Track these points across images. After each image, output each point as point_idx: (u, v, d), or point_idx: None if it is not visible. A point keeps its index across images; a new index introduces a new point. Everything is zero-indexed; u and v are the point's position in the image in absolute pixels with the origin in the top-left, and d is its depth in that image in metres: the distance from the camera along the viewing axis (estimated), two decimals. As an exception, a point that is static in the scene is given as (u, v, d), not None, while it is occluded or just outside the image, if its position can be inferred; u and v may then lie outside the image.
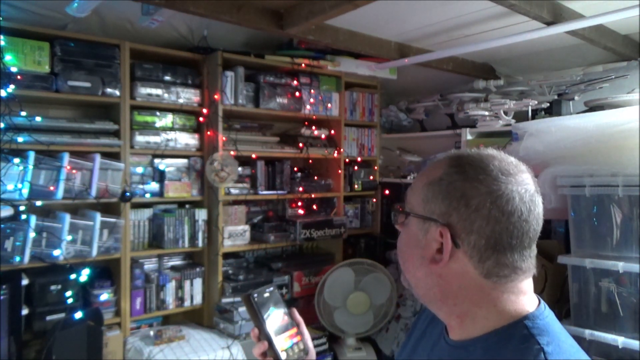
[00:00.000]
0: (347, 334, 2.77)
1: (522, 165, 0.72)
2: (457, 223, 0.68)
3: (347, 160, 3.22)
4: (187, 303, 2.65)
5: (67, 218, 2.19)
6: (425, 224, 0.71)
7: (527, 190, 0.68)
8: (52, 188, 2.16)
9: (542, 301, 0.73)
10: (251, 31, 2.59)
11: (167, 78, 2.55)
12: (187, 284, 2.65)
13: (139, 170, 2.52)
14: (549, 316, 0.70)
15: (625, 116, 1.83)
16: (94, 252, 2.27)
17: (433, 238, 0.70)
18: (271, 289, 0.93)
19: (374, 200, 3.43)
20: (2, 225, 2.02)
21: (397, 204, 0.79)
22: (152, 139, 2.49)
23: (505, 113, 2.65)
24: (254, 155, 2.79)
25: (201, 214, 2.65)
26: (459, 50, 2.59)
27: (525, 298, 0.70)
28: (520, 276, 0.69)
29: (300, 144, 2.97)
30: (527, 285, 0.71)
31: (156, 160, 2.57)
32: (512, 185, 0.67)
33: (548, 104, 2.56)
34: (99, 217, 2.27)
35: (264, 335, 0.89)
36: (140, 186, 2.51)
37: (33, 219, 2.10)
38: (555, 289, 2.18)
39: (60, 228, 2.18)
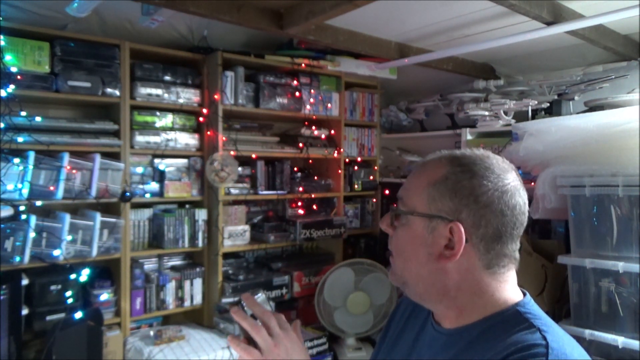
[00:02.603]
0: (347, 334, 2.77)
1: (507, 162, 0.79)
2: (467, 218, 0.72)
3: (347, 160, 3.22)
4: (187, 303, 2.65)
5: (67, 218, 2.19)
6: (432, 222, 0.74)
7: (520, 186, 0.75)
8: (52, 188, 2.16)
9: (527, 293, 0.78)
10: (251, 31, 2.59)
11: (167, 78, 2.55)
12: (187, 284, 2.65)
13: (139, 170, 2.52)
14: (535, 305, 0.76)
15: (625, 116, 1.83)
16: (94, 252, 2.27)
17: (441, 235, 0.73)
18: (260, 295, 0.86)
19: (374, 200, 3.43)
20: (2, 225, 2.02)
21: (394, 206, 0.80)
22: (152, 139, 2.49)
23: (505, 113, 2.65)
24: (254, 155, 2.79)
25: (201, 214, 2.65)
26: (459, 50, 2.59)
27: (514, 287, 0.77)
28: (514, 265, 0.76)
29: (300, 144, 2.97)
30: (514, 275, 0.77)
31: (156, 160, 2.57)
32: (510, 181, 0.74)
33: (548, 104, 2.56)
34: (99, 217, 2.27)
35: (255, 345, 0.81)
36: (140, 186, 2.51)
37: (33, 219, 2.09)
38: (555, 289, 2.18)
39: (60, 228, 2.18)
